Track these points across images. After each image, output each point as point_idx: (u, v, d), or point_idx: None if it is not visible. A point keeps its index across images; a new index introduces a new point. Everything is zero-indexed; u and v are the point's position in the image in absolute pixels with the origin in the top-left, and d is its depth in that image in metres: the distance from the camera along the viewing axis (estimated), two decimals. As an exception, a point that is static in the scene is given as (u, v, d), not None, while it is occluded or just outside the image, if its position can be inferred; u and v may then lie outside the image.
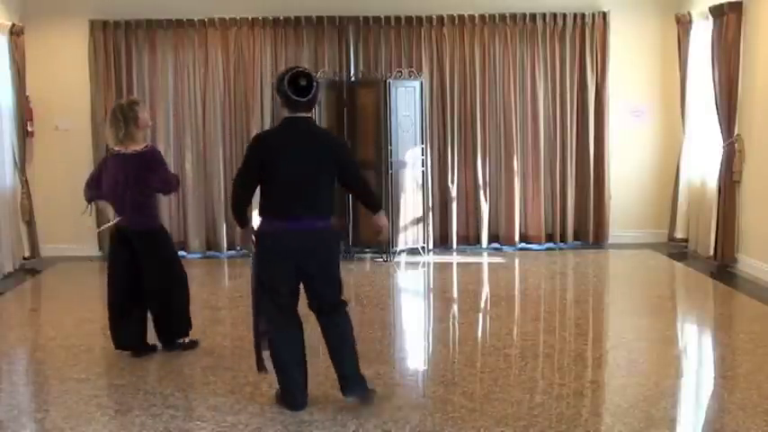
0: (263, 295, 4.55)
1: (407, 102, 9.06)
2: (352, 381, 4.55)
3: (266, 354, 4.62)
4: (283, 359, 4.54)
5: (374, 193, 4.92)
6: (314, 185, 4.44)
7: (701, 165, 8.85)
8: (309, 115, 4.54)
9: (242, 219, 4.61)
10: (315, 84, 4.45)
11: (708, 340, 6.19)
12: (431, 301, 7.70)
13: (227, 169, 9.40)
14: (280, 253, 4.43)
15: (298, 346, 4.58)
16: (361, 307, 7.19)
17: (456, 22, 9.45)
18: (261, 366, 4.69)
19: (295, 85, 4.40)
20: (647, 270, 8.65)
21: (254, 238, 4.54)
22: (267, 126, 9.32)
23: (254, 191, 4.53)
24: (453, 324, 6.71)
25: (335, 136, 4.84)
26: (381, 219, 4.78)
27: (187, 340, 5.71)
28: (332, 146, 4.59)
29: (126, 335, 5.57)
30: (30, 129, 9.17)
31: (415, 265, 8.99)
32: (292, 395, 4.56)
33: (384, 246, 8.94)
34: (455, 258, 9.28)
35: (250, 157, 4.49)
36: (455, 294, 7.81)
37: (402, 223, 9.11)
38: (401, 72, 9.16)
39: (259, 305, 4.60)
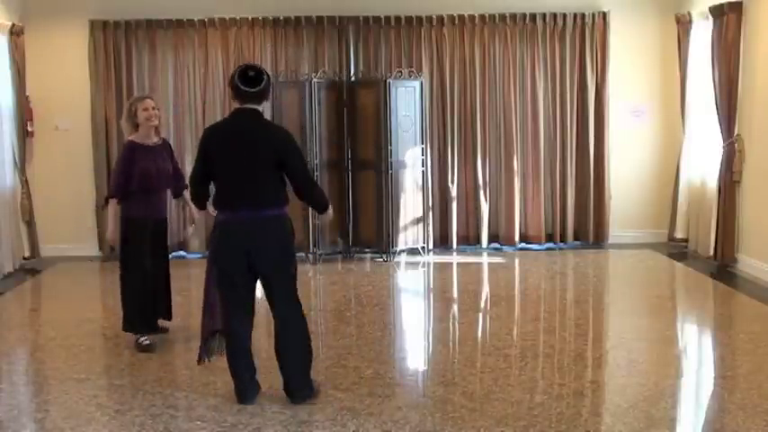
0: (214, 287, 4.62)
1: (407, 102, 9.06)
2: (293, 384, 4.61)
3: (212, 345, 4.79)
4: (229, 352, 4.63)
5: (316, 194, 4.76)
6: (253, 177, 4.45)
7: (701, 165, 8.85)
8: (257, 107, 4.55)
9: (200, 204, 4.87)
10: (265, 77, 4.50)
11: (708, 340, 6.18)
12: (431, 301, 7.69)
13: (227, 169, 9.41)
14: (229, 243, 4.48)
15: (243, 341, 4.62)
16: (361, 307, 7.20)
17: (456, 22, 9.45)
18: (200, 358, 4.81)
19: (244, 76, 4.46)
20: (647, 270, 8.65)
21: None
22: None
23: (207, 184, 4.64)
24: (453, 324, 6.71)
25: (282, 130, 4.77)
26: (326, 217, 4.93)
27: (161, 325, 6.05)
28: (274, 139, 4.54)
29: (154, 319, 5.87)
30: (30, 129, 9.17)
31: (415, 265, 8.99)
32: (238, 390, 4.67)
33: (383, 245, 8.95)
34: (455, 258, 9.28)
35: (199, 150, 4.60)
36: (455, 294, 7.81)
37: (402, 223, 9.11)
38: (401, 72, 9.16)
39: (209, 296, 4.67)
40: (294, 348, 4.59)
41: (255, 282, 4.58)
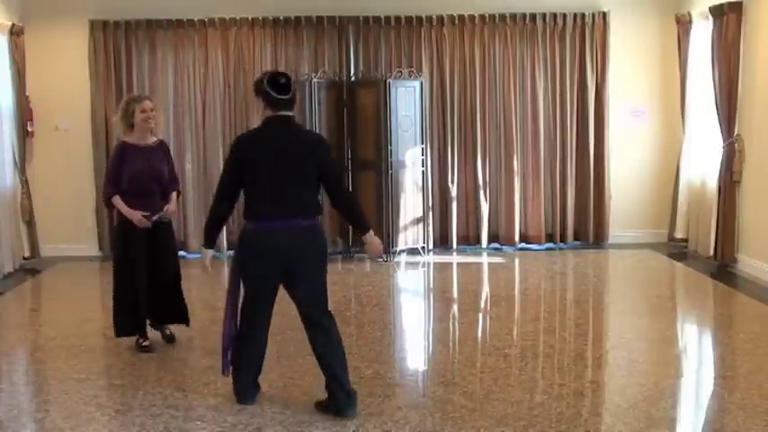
0: (241, 297, 4.55)
1: (407, 102, 9.07)
2: (348, 387, 4.48)
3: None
4: (245, 358, 4.59)
5: (358, 206, 4.69)
6: (296, 184, 4.40)
7: (701, 165, 8.85)
8: (292, 114, 4.51)
9: (213, 235, 4.65)
10: (293, 82, 4.48)
11: (708, 340, 6.18)
12: (431, 301, 7.69)
13: (227, 169, 9.42)
14: (265, 253, 4.38)
15: (263, 349, 4.62)
16: (360, 307, 7.20)
17: (456, 22, 9.46)
18: (225, 369, 4.69)
19: (275, 83, 4.41)
20: (647, 270, 8.65)
21: (238, 240, 4.52)
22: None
23: (235, 200, 4.53)
24: (453, 324, 6.71)
25: (319, 136, 4.81)
26: (374, 242, 4.57)
27: (169, 332, 5.93)
28: (314, 145, 4.50)
29: (138, 322, 5.74)
30: (30, 129, 9.17)
31: (415, 265, 8.98)
32: (242, 394, 4.64)
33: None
34: (455, 258, 9.28)
35: (233, 161, 4.45)
36: (455, 294, 7.81)
37: (402, 223, 9.11)
38: (401, 72, 9.16)
39: (235, 307, 4.58)
40: (342, 355, 4.50)
41: (278, 288, 4.54)
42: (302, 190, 4.42)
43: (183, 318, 5.89)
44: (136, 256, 5.59)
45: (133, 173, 5.54)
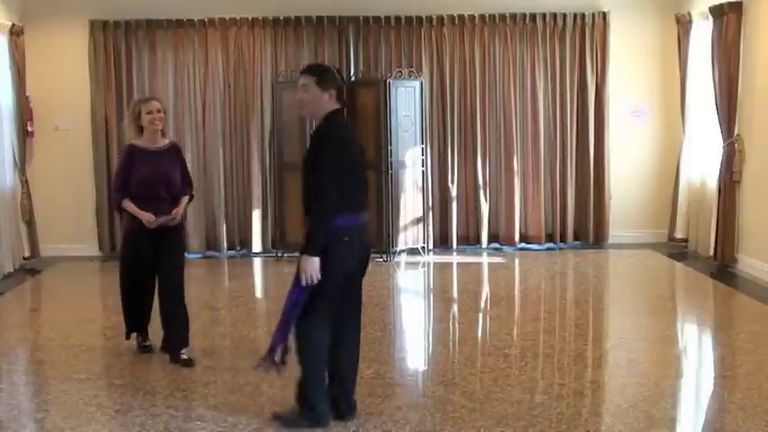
0: (323, 297, 4.18)
1: (407, 102, 9.07)
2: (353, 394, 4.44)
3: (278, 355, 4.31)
4: (338, 375, 4.34)
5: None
6: (366, 179, 4.42)
7: (701, 165, 8.85)
8: None
9: (323, 237, 4.08)
10: None
11: (708, 340, 6.19)
12: (431, 301, 7.69)
13: (227, 169, 9.43)
14: (354, 249, 4.21)
15: (353, 363, 4.47)
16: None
17: (456, 22, 9.45)
18: (273, 363, 4.31)
19: (339, 73, 4.35)
20: (647, 270, 8.65)
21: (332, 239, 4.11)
22: (267, 127, 9.33)
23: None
24: (453, 324, 6.71)
25: None
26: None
27: (186, 356, 5.40)
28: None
29: (145, 323, 5.67)
30: (30, 129, 9.17)
31: (415, 265, 8.98)
32: (321, 415, 4.25)
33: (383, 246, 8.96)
34: (455, 258, 9.28)
35: (341, 155, 4.14)
36: (455, 294, 7.81)
37: (402, 223, 9.11)
38: (401, 72, 9.16)
39: (294, 310, 4.18)
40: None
41: None
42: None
43: (179, 342, 5.42)
44: (140, 258, 5.41)
45: (141, 177, 5.32)
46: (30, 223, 9.20)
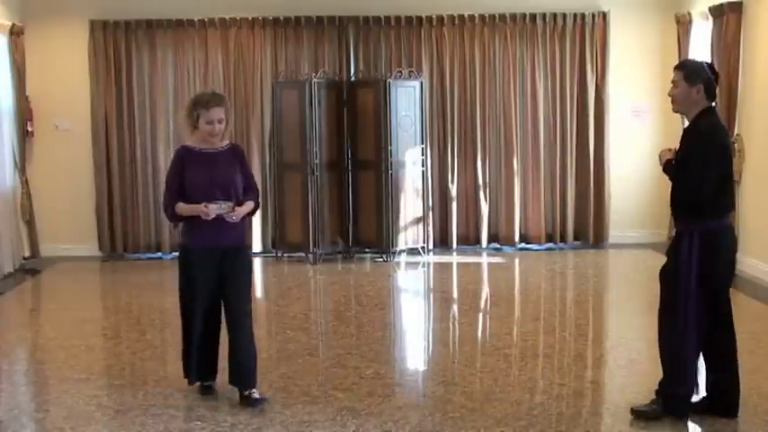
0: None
1: (407, 102, 9.06)
2: None
3: None
4: None
5: None
6: None
7: (701, 165, 8.83)
8: None
9: None
10: None
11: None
12: (431, 301, 7.70)
13: (227, 169, 9.41)
14: None
15: None
16: (361, 307, 7.20)
17: (456, 22, 9.45)
18: None
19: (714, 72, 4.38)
20: (647, 270, 8.61)
21: None
22: (267, 126, 9.32)
23: None
24: (453, 324, 6.71)
25: None
26: None
27: (257, 395, 4.69)
28: None
29: (208, 367, 4.86)
30: (30, 129, 9.17)
31: (415, 265, 8.98)
32: None
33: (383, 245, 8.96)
34: (455, 258, 9.28)
35: (716, 158, 4.48)
36: (455, 294, 7.81)
37: (402, 223, 9.10)
38: (401, 72, 9.16)
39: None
40: None
41: None
42: None
43: (244, 379, 4.69)
44: (197, 288, 4.67)
45: (193, 180, 4.64)
46: (30, 223, 9.20)
